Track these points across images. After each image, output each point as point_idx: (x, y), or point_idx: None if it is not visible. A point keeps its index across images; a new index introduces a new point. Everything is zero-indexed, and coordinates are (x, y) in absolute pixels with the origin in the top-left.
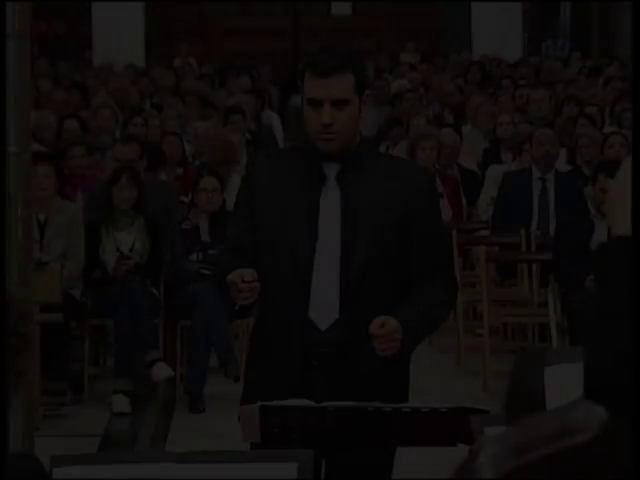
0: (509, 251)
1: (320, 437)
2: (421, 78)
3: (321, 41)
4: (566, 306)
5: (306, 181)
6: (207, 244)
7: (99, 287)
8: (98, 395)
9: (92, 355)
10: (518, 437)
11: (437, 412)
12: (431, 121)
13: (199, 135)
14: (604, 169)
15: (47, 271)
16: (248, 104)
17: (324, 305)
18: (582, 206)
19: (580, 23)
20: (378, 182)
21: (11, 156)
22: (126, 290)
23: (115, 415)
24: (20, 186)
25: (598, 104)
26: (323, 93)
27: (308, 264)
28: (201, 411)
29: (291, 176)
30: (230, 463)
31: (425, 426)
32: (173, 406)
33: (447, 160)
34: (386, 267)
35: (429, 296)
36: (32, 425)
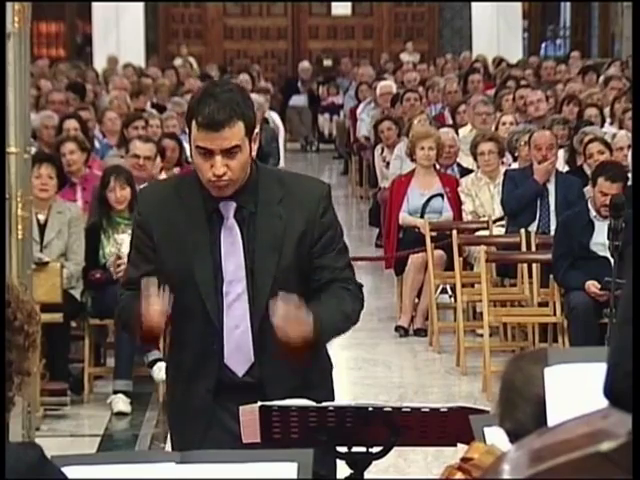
0: (509, 251)
1: (320, 437)
2: (421, 78)
3: (321, 41)
4: (566, 306)
5: (204, 222)
6: None
7: (99, 287)
8: (98, 395)
9: (92, 355)
10: (542, 443)
11: (437, 412)
12: (431, 121)
13: None
14: (604, 171)
15: (47, 271)
16: None
17: (239, 351)
18: (582, 206)
19: (579, 23)
20: (275, 210)
21: (11, 156)
22: None
23: (115, 415)
24: (20, 186)
25: (598, 104)
26: (214, 145)
27: (219, 310)
28: None
29: (188, 216)
30: (230, 463)
31: (425, 426)
32: None
33: (447, 160)
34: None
35: (332, 305)
36: (32, 425)
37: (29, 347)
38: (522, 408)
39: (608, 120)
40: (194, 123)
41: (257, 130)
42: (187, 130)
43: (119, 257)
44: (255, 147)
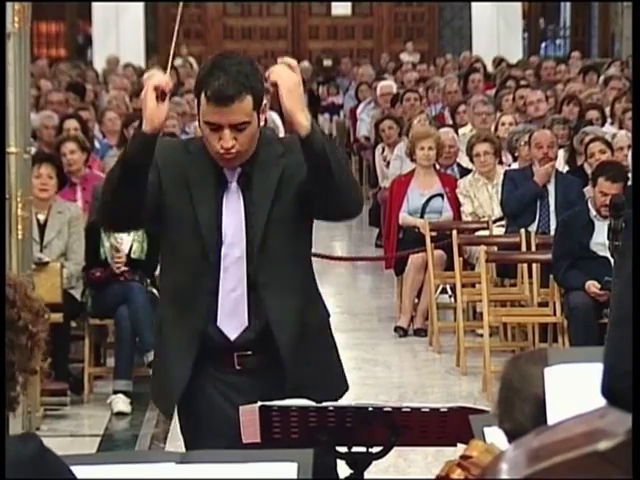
0: (509, 251)
1: (320, 437)
2: (421, 78)
3: (321, 41)
4: (566, 306)
5: (208, 184)
6: None
7: (99, 287)
8: (98, 395)
9: (92, 355)
10: (540, 442)
11: (437, 412)
12: (431, 121)
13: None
14: (604, 171)
15: (47, 271)
16: None
17: (235, 315)
18: (582, 206)
19: (579, 23)
20: (275, 164)
21: (11, 156)
22: (126, 290)
23: (115, 415)
24: (20, 186)
25: (598, 104)
26: (223, 119)
27: (217, 269)
28: None
29: (194, 174)
30: (230, 463)
31: (425, 426)
32: None
33: (447, 160)
34: (296, 262)
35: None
36: (32, 425)
37: (33, 347)
38: (520, 408)
39: (608, 120)
40: (203, 96)
41: (265, 101)
42: (187, 129)
43: (117, 249)
44: (264, 117)
